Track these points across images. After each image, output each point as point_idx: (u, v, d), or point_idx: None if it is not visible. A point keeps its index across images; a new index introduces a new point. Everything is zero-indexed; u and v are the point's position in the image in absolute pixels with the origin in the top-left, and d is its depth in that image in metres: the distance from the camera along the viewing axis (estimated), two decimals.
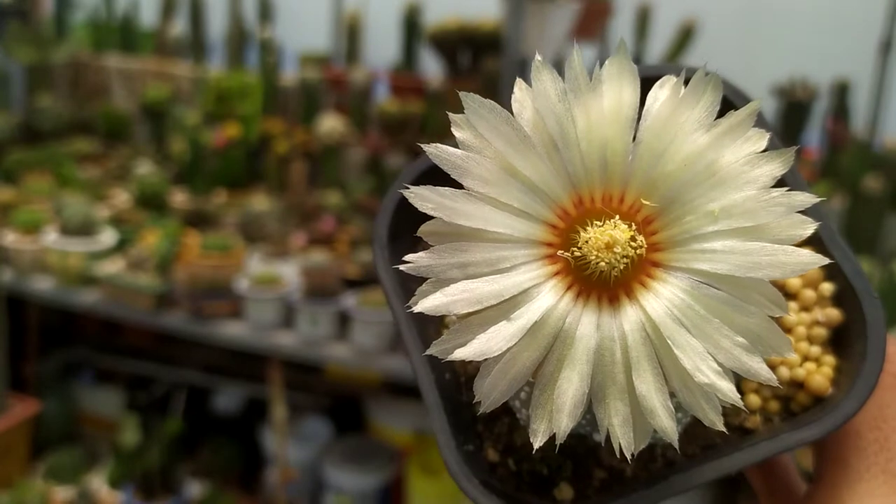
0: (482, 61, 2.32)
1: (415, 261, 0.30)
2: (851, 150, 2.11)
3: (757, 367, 0.29)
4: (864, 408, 0.36)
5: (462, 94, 0.31)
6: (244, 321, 1.93)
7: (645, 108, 0.30)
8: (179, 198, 2.33)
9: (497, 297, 0.30)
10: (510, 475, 0.38)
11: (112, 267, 2.03)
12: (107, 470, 2.32)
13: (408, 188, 0.31)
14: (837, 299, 0.38)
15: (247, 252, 2.07)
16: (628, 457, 0.30)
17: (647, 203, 0.30)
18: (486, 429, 0.38)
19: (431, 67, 2.54)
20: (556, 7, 2.09)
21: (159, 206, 2.27)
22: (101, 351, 2.63)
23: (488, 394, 0.30)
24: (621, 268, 0.29)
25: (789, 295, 0.38)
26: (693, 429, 0.37)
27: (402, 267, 0.31)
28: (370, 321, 1.80)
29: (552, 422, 0.30)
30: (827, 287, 0.38)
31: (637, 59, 2.42)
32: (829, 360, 0.38)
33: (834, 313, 0.38)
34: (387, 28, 2.58)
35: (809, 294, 0.38)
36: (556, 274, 0.31)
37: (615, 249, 0.29)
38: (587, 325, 0.30)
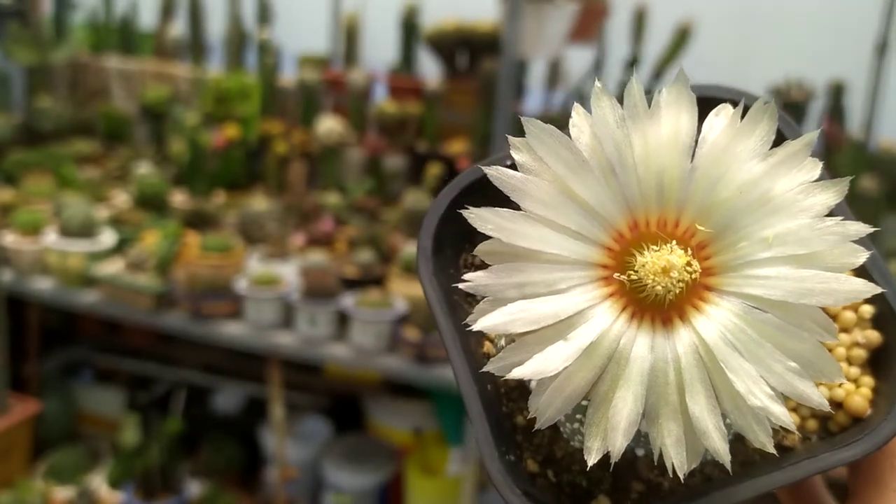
0: (480, 62, 2.33)
1: (474, 279, 0.31)
2: (847, 150, 2.12)
3: (809, 391, 0.30)
4: None
5: (524, 119, 0.32)
6: (243, 321, 1.94)
7: (701, 135, 0.31)
8: (179, 198, 2.33)
9: (554, 318, 0.31)
10: (550, 486, 0.39)
11: (112, 267, 2.04)
12: (107, 469, 2.33)
13: (467, 207, 0.32)
14: (877, 321, 0.39)
15: (246, 252, 2.08)
16: (681, 476, 0.30)
17: (702, 228, 0.31)
18: (526, 439, 0.39)
19: (429, 68, 2.55)
20: (553, 8, 2.10)
21: (159, 207, 2.27)
22: (102, 351, 2.64)
23: (544, 411, 0.31)
24: (676, 292, 0.30)
25: (829, 316, 0.39)
26: (732, 445, 0.37)
27: (461, 286, 0.31)
28: (369, 321, 1.81)
29: (606, 440, 0.31)
30: (867, 309, 0.39)
31: (634, 61, 2.44)
32: (868, 381, 0.39)
33: (873, 335, 0.39)
34: (385, 29, 2.58)
35: (849, 316, 0.39)
36: (611, 296, 0.31)
37: (672, 274, 0.30)
38: (641, 346, 0.31)
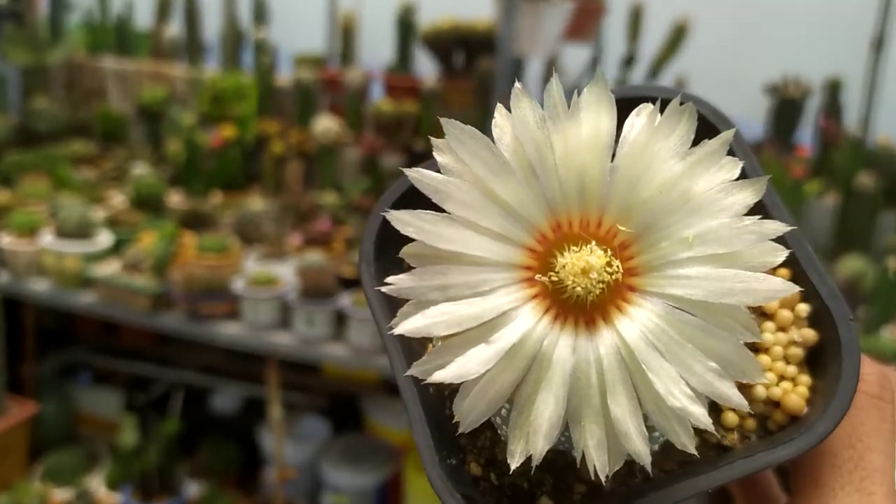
0: (476, 61, 2.33)
1: (396, 283, 0.31)
2: (844, 147, 2.12)
3: (729, 391, 0.30)
4: (839, 427, 0.36)
5: (443, 121, 0.32)
6: (241, 321, 1.94)
7: (622, 135, 0.31)
8: (176, 199, 2.33)
9: (476, 320, 0.31)
10: (493, 489, 0.39)
11: (109, 268, 2.04)
12: (105, 471, 2.33)
13: (387, 211, 0.32)
14: (814, 320, 0.39)
15: (243, 252, 2.08)
16: (602, 479, 0.30)
17: (624, 229, 0.31)
18: (470, 442, 0.39)
19: (426, 67, 2.55)
20: (549, 7, 2.09)
21: (156, 208, 2.27)
22: (99, 352, 2.64)
23: (467, 414, 0.31)
24: (597, 292, 0.30)
25: (766, 315, 0.39)
26: (671, 446, 0.38)
27: (384, 289, 0.31)
28: (367, 320, 1.81)
29: (528, 443, 0.31)
30: (803, 308, 0.39)
31: (631, 59, 2.44)
32: (805, 379, 0.39)
33: (810, 334, 0.39)
34: (381, 28, 2.58)
35: (786, 315, 0.39)
36: (535, 297, 0.31)
37: (591, 275, 0.30)
38: (564, 348, 0.31)
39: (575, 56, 2.53)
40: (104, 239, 2.12)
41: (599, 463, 0.30)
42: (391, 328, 0.31)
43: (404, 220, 0.31)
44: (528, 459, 0.31)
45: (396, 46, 2.55)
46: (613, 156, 0.31)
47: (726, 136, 0.31)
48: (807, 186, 2.07)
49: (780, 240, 0.38)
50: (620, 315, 0.31)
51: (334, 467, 2.21)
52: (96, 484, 2.30)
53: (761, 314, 0.39)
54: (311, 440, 2.32)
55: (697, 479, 0.36)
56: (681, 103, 0.31)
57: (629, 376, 0.30)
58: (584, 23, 2.30)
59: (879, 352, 1.70)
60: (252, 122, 2.45)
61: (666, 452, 0.37)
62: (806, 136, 2.29)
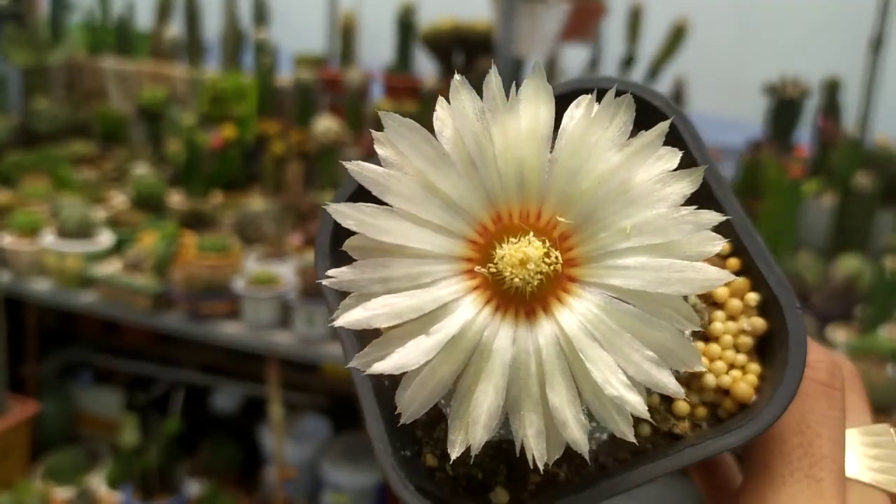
0: (476, 61, 2.34)
1: (337, 275, 0.31)
2: (842, 147, 2.13)
3: (665, 380, 0.30)
4: (787, 414, 0.37)
5: (382, 113, 0.32)
6: (241, 321, 1.94)
7: (561, 126, 0.31)
8: (176, 199, 2.34)
9: (417, 312, 0.31)
10: (448, 480, 0.39)
11: (109, 268, 2.05)
12: (106, 470, 2.34)
13: (328, 204, 0.32)
14: (763, 309, 0.39)
15: (243, 252, 2.08)
16: (541, 468, 0.30)
17: (563, 220, 0.31)
18: (425, 434, 0.39)
19: (426, 68, 2.56)
20: (547, 7, 2.10)
21: (156, 208, 2.28)
22: (100, 351, 2.64)
23: (408, 405, 0.31)
24: (535, 283, 0.30)
25: (716, 304, 0.40)
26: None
27: (324, 282, 0.32)
28: None
29: (468, 433, 0.31)
30: (753, 297, 0.39)
31: (630, 59, 2.44)
32: (755, 367, 0.39)
33: (759, 322, 0.39)
34: (381, 29, 2.59)
35: (736, 304, 0.39)
36: (476, 289, 0.31)
37: (528, 266, 0.30)
38: (504, 338, 0.31)
39: (575, 56, 2.53)
40: (105, 239, 2.13)
41: (538, 452, 0.30)
42: (332, 321, 0.31)
43: (344, 213, 0.31)
44: (484, 450, 0.31)
45: (396, 47, 2.56)
46: (553, 148, 0.31)
47: (662, 126, 0.31)
48: (805, 186, 2.08)
49: (731, 230, 0.39)
50: (560, 305, 0.31)
51: (334, 466, 2.22)
52: (97, 483, 2.31)
53: (712, 303, 0.40)
54: (312, 439, 2.33)
55: (647, 468, 0.36)
56: (618, 94, 0.31)
57: (568, 366, 0.30)
58: (584, 23, 2.30)
59: (877, 351, 1.71)
60: (252, 123, 2.45)
61: (619, 442, 0.38)
62: (804, 136, 2.30)
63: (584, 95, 0.31)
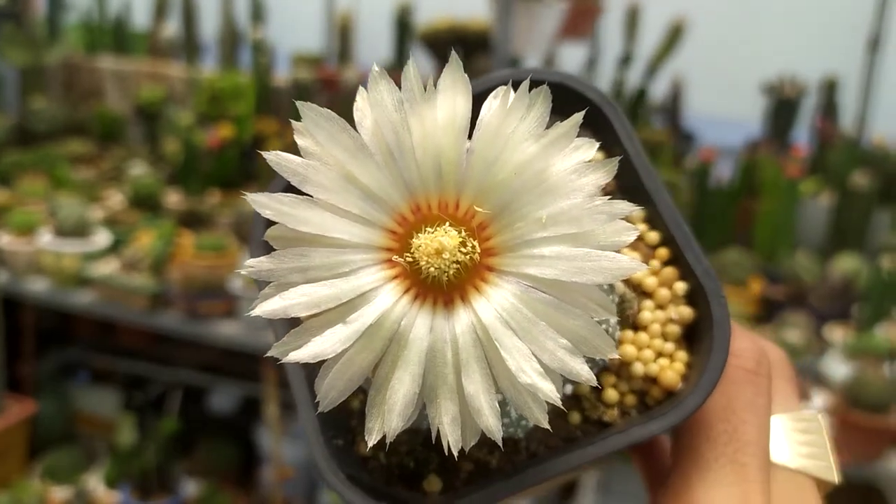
0: (473, 60, 2.34)
1: (256, 265, 0.31)
2: (840, 146, 2.13)
3: (578, 367, 0.30)
4: (714, 401, 0.38)
5: (299, 104, 0.32)
6: (238, 320, 1.94)
7: (479, 117, 0.31)
8: (173, 198, 2.34)
9: (335, 301, 0.31)
10: (381, 469, 0.40)
11: (107, 268, 2.05)
12: (104, 469, 2.34)
13: (245, 194, 0.32)
14: (690, 298, 0.40)
15: (241, 252, 2.08)
16: (455, 454, 0.30)
17: (481, 210, 0.31)
18: (360, 423, 0.39)
19: (423, 66, 2.55)
20: (544, 6, 2.10)
21: (153, 207, 2.28)
22: (97, 351, 2.64)
23: (326, 394, 0.31)
24: (451, 273, 0.30)
25: (646, 294, 0.40)
26: (553, 422, 0.38)
27: (243, 271, 0.31)
28: None
29: (384, 421, 0.31)
30: (680, 286, 0.40)
31: (627, 58, 2.44)
32: (682, 355, 0.39)
33: (686, 311, 0.39)
34: (378, 28, 2.59)
35: (664, 293, 0.40)
36: (395, 278, 0.32)
37: (444, 255, 0.30)
38: (421, 327, 0.31)
39: (573, 55, 2.54)
40: (102, 238, 2.13)
41: (453, 438, 0.30)
42: (250, 311, 0.31)
43: (262, 203, 0.31)
44: (416, 435, 0.32)
45: (393, 45, 2.56)
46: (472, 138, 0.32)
47: (577, 117, 0.31)
48: (802, 185, 2.08)
49: (661, 221, 0.39)
50: (478, 294, 0.31)
51: None
52: (95, 482, 2.31)
53: (641, 293, 0.40)
54: None
55: (574, 454, 0.36)
56: (531, 85, 0.31)
57: (484, 354, 0.30)
58: (581, 22, 2.30)
59: (873, 350, 1.71)
60: (249, 122, 2.45)
61: (551, 430, 0.38)
62: (802, 135, 2.30)
63: (502, 87, 0.31)
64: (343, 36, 2.64)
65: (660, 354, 0.39)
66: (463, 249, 0.30)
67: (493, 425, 0.30)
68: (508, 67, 2.08)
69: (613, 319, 0.37)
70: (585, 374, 0.30)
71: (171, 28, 2.77)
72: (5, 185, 2.40)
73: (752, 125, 2.36)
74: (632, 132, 0.40)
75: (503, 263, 0.31)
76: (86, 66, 2.78)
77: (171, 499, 2.21)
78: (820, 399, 1.66)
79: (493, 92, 0.31)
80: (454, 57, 0.32)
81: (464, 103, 0.31)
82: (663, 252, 0.40)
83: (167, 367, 2.58)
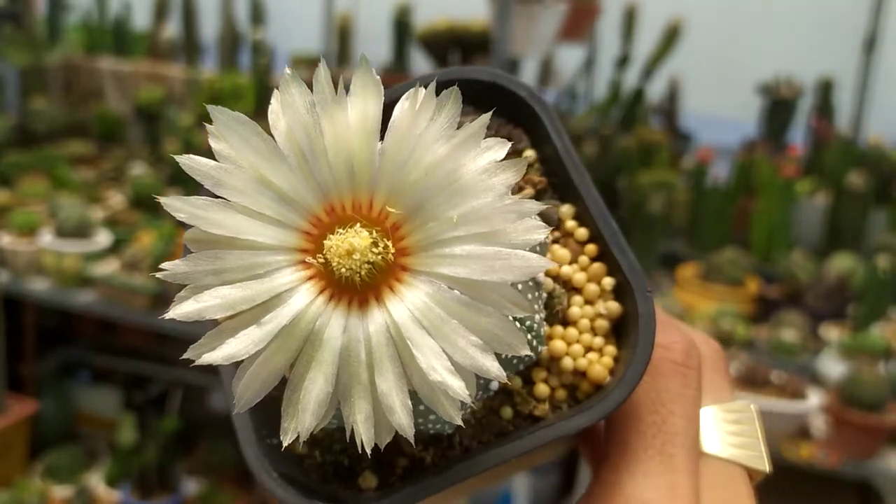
0: (472, 61, 2.35)
1: (171, 268, 0.31)
2: (835, 146, 2.14)
3: (489, 364, 0.30)
4: (643, 393, 0.38)
5: (210, 108, 0.32)
6: None
7: (391, 119, 0.32)
8: None
9: (250, 302, 0.31)
10: (317, 467, 0.40)
11: (107, 268, 2.06)
12: (104, 468, 2.35)
13: (157, 197, 0.32)
14: (618, 293, 0.40)
15: None
16: (368, 452, 0.31)
17: (394, 210, 0.31)
18: None
19: (422, 67, 2.56)
20: (542, 8, 2.11)
21: (154, 207, 2.29)
22: (98, 351, 2.65)
23: (242, 395, 0.31)
24: (363, 273, 0.31)
25: (575, 289, 0.40)
26: (489, 418, 0.39)
27: (158, 275, 0.31)
28: None
29: (298, 420, 0.31)
30: (608, 282, 0.40)
31: (625, 59, 2.45)
32: (611, 350, 0.40)
33: (614, 306, 0.40)
34: (378, 29, 2.60)
35: (593, 288, 0.40)
36: (311, 279, 0.32)
37: (354, 256, 0.30)
38: (335, 327, 0.31)
39: (570, 57, 2.54)
40: (103, 238, 2.14)
41: (366, 436, 0.31)
42: (163, 315, 0.31)
43: (175, 207, 0.31)
44: (342, 433, 0.32)
45: (393, 46, 2.56)
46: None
47: (484, 118, 0.31)
48: (798, 185, 2.09)
49: (588, 217, 0.40)
50: (392, 294, 0.31)
51: None
52: (95, 481, 2.32)
53: (571, 289, 0.40)
54: None
55: (503, 449, 0.37)
56: (442, 86, 0.31)
57: (397, 353, 0.31)
58: (579, 23, 2.31)
59: (869, 349, 1.72)
60: None
61: (482, 425, 0.39)
62: (798, 135, 2.31)
63: (415, 89, 0.31)
64: (342, 37, 2.65)
65: (589, 349, 0.40)
66: (375, 250, 0.31)
67: (405, 423, 0.30)
68: (506, 69, 2.09)
69: (538, 316, 0.37)
70: (496, 370, 0.30)
71: (171, 29, 2.78)
72: (6, 185, 2.41)
73: (749, 125, 2.37)
74: (561, 129, 0.40)
75: (417, 263, 0.31)
76: (86, 67, 2.79)
77: (171, 497, 2.22)
78: (816, 397, 1.67)
79: (407, 93, 0.31)
80: (364, 59, 0.32)
81: (374, 105, 0.31)
82: (592, 248, 0.41)
83: (167, 367, 2.59)
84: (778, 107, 2.26)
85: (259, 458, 0.38)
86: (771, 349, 1.81)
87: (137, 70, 2.72)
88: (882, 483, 1.79)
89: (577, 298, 0.40)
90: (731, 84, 2.53)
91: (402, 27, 2.54)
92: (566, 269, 0.40)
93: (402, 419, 0.30)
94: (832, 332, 1.87)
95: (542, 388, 0.39)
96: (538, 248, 0.37)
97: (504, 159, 0.31)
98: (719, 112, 2.53)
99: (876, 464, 1.64)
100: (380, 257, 0.31)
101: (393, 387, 0.30)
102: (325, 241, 0.31)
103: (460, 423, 0.31)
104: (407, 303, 0.31)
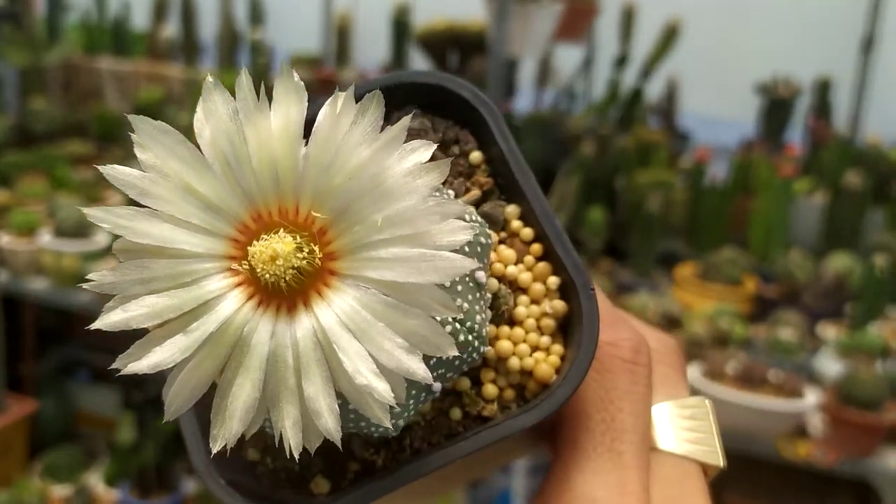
0: (470, 61, 2.35)
1: (98, 278, 0.31)
2: (833, 146, 2.14)
3: (415, 366, 0.30)
4: (591, 390, 0.38)
5: (131, 118, 0.32)
6: None
7: (316, 124, 0.31)
8: None
9: (177, 311, 0.31)
10: (269, 472, 0.40)
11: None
12: (104, 468, 2.35)
13: (81, 209, 0.32)
14: (562, 292, 0.40)
15: None
16: (296, 456, 0.30)
17: (319, 215, 0.31)
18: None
19: (421, 67, 2.57)
20: (539, 8, 2.11)
21: None
22: (97, 350, 2.65)
23: (171, 402, 0.31)
24: (288, 278, 0.30)
25: (521, 289, 0.40)
26: (438, 420, 0.39)
27: (86, 286, 0.31)
28: None
29: (225, 427, 0.31)
30: (553, 281, 0.40)
31: (623, 59, 2.46)
32: (558, 349, 0.40)
33: (559, 305, 0.40)
34: (377, 29, 2.60)
35: (539, 287, 0.40)
36: (239, 286, 0.32)
37: (278, 262, 0.30)
38: (263, 333, 0.31)
39: (568, 57, 2.55)
40: (102, 238, 2.14)
41: (294, 441, 0.30)
42: (88, 327, 0.32)
43: (98, 217, 0.31)
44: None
45: (391, 46, 2.57)
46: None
47: (405, 121, 0.31)
48: (796, 185, 2.09)
49: (533, 217, 0.40)
50: (319, 299, 0.31)
51: None
52: (95, 480, 2.32)
53: (517, 289, 0.40)
54: None
55: (450, 449, 0.37)
56: (391, 90, 0.32)
57: (324, 357, 0.30)
58: (576, 23, 2.32)
59: (866, 347, 1.73)
60: None
61: (432, 427, 0.39)
62: (795, 135, 2.32)
63: (339, 93, 0.31)
64: (341, 37, 2.66)
65: (536, 348, 0.40)
66: (300, 255, 0.30)
67: (331, 427, 0.30)
68: (506, 69, 2.10)
69: (479, 316, 0.37)
70: (422, 372, 0.30)
71: (171, 29, 2.79)
72: (5, 185, 2.41)
73: (747, 125, 2.38)
74: (506, 130, 0.40)
75: (344, 267, 0.31)
76: (85, 67, 2.79)
77: (170, 497, 2.23)
78: (813, 396, 1.67)
79: (331, 98, 0.31)
80: (284, 66, 0.32)
81: (297, 111, 0.31)
82: (537, 248, 0.40)
83: None
84: (776, 106, 2.27)
85: (207, 465, 0.37)
86: (768, 348, 1.81)
87: (136, 70, 2.72)
88: (880, 481, 1.79)
89: (524, 298, 0.40)
90: (729, 84, 2.54)
91: (400, 27, 2.54)
92: (511, 269, 0.40)
93: (329, 423, 0.30)
94: (830, 331, 1.87)
95: (490, 389, 0.39)
96: (480, 249, 0.37)
97: (431, 160, 0.31)
98: (717, 112, 2.54)
99: (873, 462, 1.64)
100: (305, 262, 0.31)
101: (320, 391, 0.30)
102: (249, 248, 0.31)
103: (389, 425, 0.31)
104: (334, 307, 0.31)
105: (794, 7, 2.57)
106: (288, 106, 0.32)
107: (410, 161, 0.31)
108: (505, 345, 0.39)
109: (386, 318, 0.30)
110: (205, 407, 0.33)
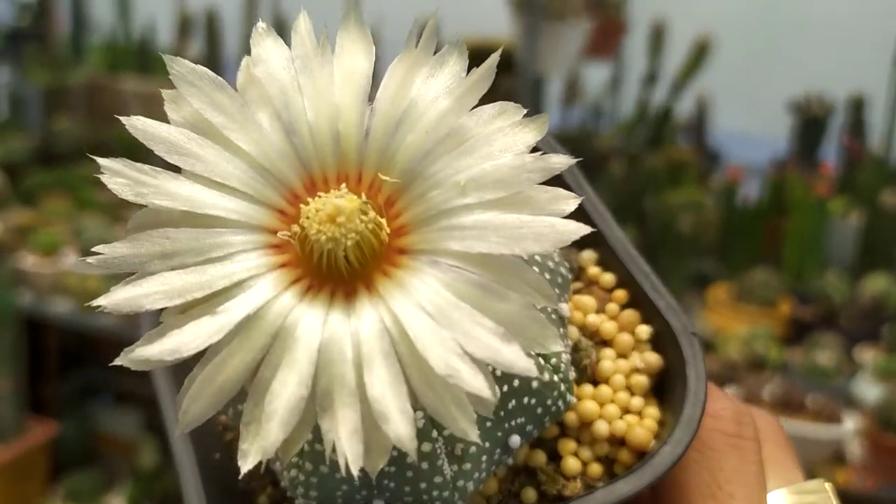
0: (497, 79, 2.33)
1: (108, 252, 0.26)
2: (868, 165, 2.11)
3: (513, 356, 0.24)
4: (695, 474, 0.32)
5: (167, 58, 0.27)
6: None
7: (385, 76, 0.27)
8: None
9: (203, 289, 0.25)
10: None
11: None
12: (126, 491, 2.33)
13: (95, 157, 0.27)
14: (656, 343, 0.34)
15: None
16: (354, 471, 0.24)
17: (387, 179, 0.26)
18: (258, 485, 0.35)
19: None
20: (568, 26, 2.09)
21: None
22: (120, 373, 2.63)
23: (188, 407, 0.25)
24: (350, 245, 0.25)
25: (605, 342, 0.34)
26: None
27: (90, 259, 0.26)
28: None
29: (260, 435, 0.24)
30: (644, 329, 0.34)
31: (653, 76, 2.43)
32: (653, 411, 0.33)
33: (653, 358, 0.34)
34: (401, 45, 2.59)
35: (626, 339, 0.34)
36: (283, 266, 0.26)
37: (339, 220, 0.24)
38: (312, 321, 0.25)
39: (596, 74, 2.53)
40: None
41: (352, 453, 0.24)
42: (89, 304, 0.26)
43: (114, 170, 0.26)
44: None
45: None
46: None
47: (492, 59, 0.27)
48: (831, 204, 2.06)
49: (614, 261, 0.34)
50: (386, 280, 0.25)
51: None
52: None
53: (599, 342, 0.34)
54: None
55: None
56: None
57: (393, 349, 0.24)
58: (605, 40, 2.29)
59: None
60: None
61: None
62: (830, 153, 2.28)
63: (412, 40, 0.27)
64: None
65: (626, 411, 0.33)
66: (364, 217, 0.25)
67: (403, 433, 0.23)
68: (535, 87, 2.07)
69: (565, 355, 0.31)
70: (522, 363, 0.24)
71: (195, 47, 2.78)
72: (29, 205, 2.40)
73: (779, 143, 2.34)
74: (576, 172, 0.35)
75: (417, 241, 0.26)
76: (109, 87, 2.78)
77: None
78: (851, 421, 1.64)
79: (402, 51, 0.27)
80: (354, 10, 0.27)
81: (364, 59, 0.27)
82: (621, 294, 0.35)
83: None
84: (809, 124, 2.23)
85: (199, 493, 0.32)
86: (805, 372, 1.77)
87: (161, 89, 2.71)
88: None
89: (608, 352, 0.34)
90: (761, 101, 2.50)
91: None
92: (592, 318, 0.34)
93: (401, 428, 0.23)
94: (867, 355, 1.83)
95: (571, 463, 0.32)
96: (561, 280, 0.31)
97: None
98: (749, 130, 2.50)
99: None
100: (370, 229, 0.25)
101: (388, 389, 0.24)
102: (302, 207, 0.25)
103: (477, 439, 0.24)
104: (406, 288, 0.25)
105: (828, 24, 2.53)
106: (354, 55, 0.27)
107: (498, 111, 0.26)
108: (589, 406, 0.33)
109: (473, 299, 0.24)
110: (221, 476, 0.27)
